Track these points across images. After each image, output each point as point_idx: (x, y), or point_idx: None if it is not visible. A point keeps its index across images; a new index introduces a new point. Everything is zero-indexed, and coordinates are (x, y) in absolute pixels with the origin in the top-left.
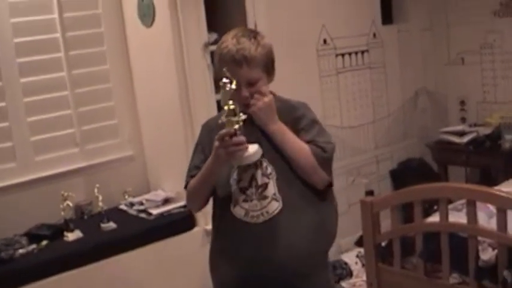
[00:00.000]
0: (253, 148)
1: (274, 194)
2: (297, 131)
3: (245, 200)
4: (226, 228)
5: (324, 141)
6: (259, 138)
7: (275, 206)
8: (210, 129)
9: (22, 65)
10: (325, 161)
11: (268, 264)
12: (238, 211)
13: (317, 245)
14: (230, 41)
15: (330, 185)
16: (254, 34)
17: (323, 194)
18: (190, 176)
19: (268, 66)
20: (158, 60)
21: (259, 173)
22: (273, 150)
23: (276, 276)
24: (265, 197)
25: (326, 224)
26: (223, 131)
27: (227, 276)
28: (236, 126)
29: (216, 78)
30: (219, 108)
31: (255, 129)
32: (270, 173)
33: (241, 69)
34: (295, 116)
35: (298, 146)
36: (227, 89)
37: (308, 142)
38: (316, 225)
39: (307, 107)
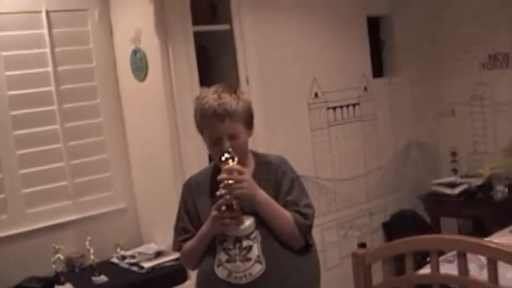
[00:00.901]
0: (248, 221)
1: (258, 257)
2: (279, 193)
3: (228, 261)
4: (209, 287)
5: (305, 204)
6: (252, 208)
7: (258, 268)
8: (190, 188)
9: (15, 117)
10: (307, 228)
11: None
12: (221, 271)
13: None
14: (211, 96)
15: (308, 245)
16: (234, 89)
17: (304, 254)
18: (181, 240)
19: (249, 121)
20: (151, 114)
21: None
22: (258, 215)
23: None
24: (249, 259)
25: (308, 287)
26: (221, 202)
27: None
28: (235, 202)
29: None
30: (210, 161)
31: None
32: (255, 237)
33: (223, 123)
34: (277, 178)
35: (282, 216)
36: (230, 164)
37: (290, 204)
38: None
39: (286, 163)
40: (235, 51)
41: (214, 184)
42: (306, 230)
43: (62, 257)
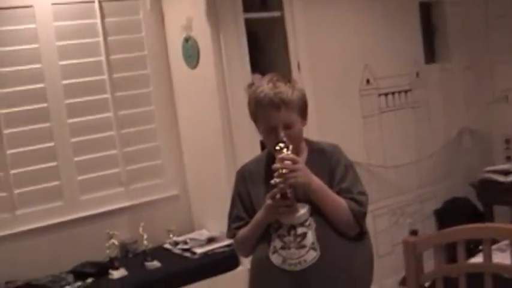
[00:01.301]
0: (303, 209)
1: (313, 244)
2: (333, 180)
3: (283, 248)
4: (263, 273)
5: (359, 191)
6: (307, 196)
7: (313, 255)
8: (244, 176)
9: (70, 106)
10: (362, 215)
11: None
12: (276, 258)
13: None
14: (266, 85)
15: (363, 232)
16: (288, 79)
17: (358, 241)
18: (234, 227)
19: (303, 110)
20: (202, 101)
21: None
22: (312, 202)
23: None
24: (304, 246)
25: (362, 274)
26: (275, 190)
27: None
28: (289, 191)
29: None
30: (263, 148)
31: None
32: (309, 224)
33: (279, 112)
34: (331, 165)
35: (336, 204)
36: (284, 153)
37: (344, 191)
38: (352, 275)
39: (339, 150)
40: (287, 37)
41: (269, 172)
42: (360, 217)
43: (116, 243)
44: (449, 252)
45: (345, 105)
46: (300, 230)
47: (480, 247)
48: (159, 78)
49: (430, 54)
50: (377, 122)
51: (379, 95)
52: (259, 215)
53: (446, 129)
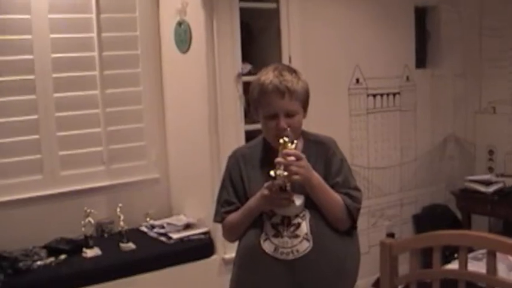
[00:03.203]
0: (299, 201)
1: (306, 234)
2: (329, 173)
3: (275, 236)
4: (253, 261)
5: (354, 186)
6: (303, 188)
7: (305, 246)
8: (237, 160)
9: (57, 80)
10: (357, 211)
11: None
12: (268, 246)
13: None
14: (272, 73)
15: (353, 227)
16: (294, 70)
17: (349, 236)
18: (223, 211)
19: (305, 102)
20: (191, 86)
21: None
22: (308, 194)
23: None
24: (297, 236)
25: (351, 268)
26: (275, 183)
27: None
28: (288, 184)
29: (250, 108)
30: (248, 138)
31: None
32: (304, 215)
33: (282, 99)
34: (327, 157)
35: (333, 200)
36: (289, 147)
37: (340, 186)
38: (342, 269)
39: (336, 144)
40: (280, 30)
41: (266, 159)
42: (355, 212)
43: (92, 221)
44: (425, 258)
45: (333, 102)
46: (294, 220)
47: (456, 255)
48: (149, 60)
49: (422, 59)
50: (364, 122)
51: (368, 95)
52: (253, 202)
53: (432, 135)
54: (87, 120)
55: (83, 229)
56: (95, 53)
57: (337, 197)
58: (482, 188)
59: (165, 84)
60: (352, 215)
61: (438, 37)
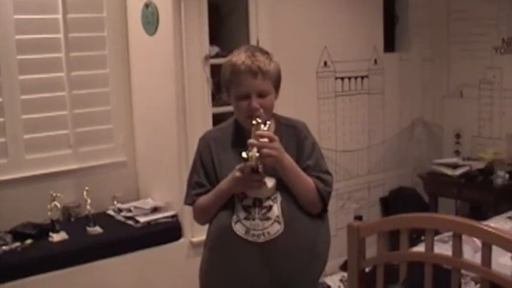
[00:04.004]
0: (270, 183)
1: (277, 217)
2: (300, 156)
3: (247, 218)
4: (224, 243)
5: (325, 170)
6: (274, 171)
7: (276, 228)
8: (208, 143)
9: (22, 62)
10: (328, 194)
11: None
12: (240, 228)
13: (311, 272)
14: (244, 54)
15: (324, 210)
16: (265, 51)
17: (320, 219)
18: (194, 194)
19: (277, 83)
20: (158, 69)
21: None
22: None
23: None
24: (268, 218)
25: (322, 251)
26: (247, 165)
27: None
28: (260, 166)
29: (222, 90)
30: (215, 121)
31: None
32: (275, 197)
33: (255, 79)
34: (299, 140)
35: (304, 182)
36: (261, 128)
37: (311, 169)
38: (312, 251)
39: (307, 128)
40: (248, 13)
41: (237, 141)
42: (326, 196)
43: (58, 205)
44: (392, 240)
45: (301, 85)
46: (265, 203)
47: (422, 237)
48: (116, 42)
49: (390, 43)
50: (332, 105)
51: (336, 78)
52: (224, 184)
53: (399, 119)
54: (53, 102)
55: (49, 213)
56: (61, 35)
57: (308, 180)
58: (449, 171)
59: (132, 66)
60: (324, 199)
61: (406, 21)
